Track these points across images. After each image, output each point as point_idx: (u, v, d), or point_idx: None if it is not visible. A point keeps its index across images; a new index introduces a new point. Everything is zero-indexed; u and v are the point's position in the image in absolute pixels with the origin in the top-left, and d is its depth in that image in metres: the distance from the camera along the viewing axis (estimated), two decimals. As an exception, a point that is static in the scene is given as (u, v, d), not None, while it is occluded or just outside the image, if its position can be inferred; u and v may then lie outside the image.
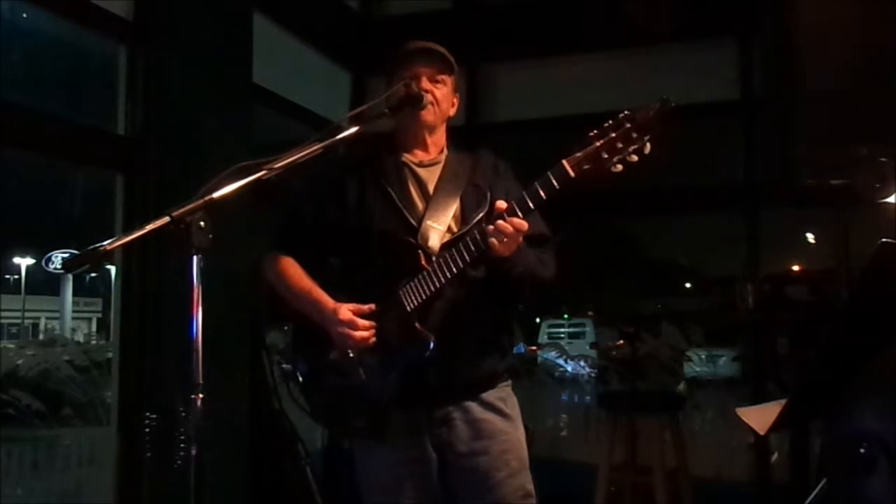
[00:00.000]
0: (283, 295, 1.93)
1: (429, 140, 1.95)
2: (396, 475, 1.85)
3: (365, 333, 1.79)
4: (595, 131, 1.65)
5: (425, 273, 1.77)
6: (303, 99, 4.02)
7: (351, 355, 1.83)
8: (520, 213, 1.68)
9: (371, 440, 1.86)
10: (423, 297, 1.77)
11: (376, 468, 1.88)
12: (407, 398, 1.80)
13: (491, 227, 1.69)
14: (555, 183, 1.67)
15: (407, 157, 1.94)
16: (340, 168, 1.95)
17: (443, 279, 1.75)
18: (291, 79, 3.97)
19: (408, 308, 1.78)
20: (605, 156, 1.63)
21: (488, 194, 1.91)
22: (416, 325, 1.77)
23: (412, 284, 1.78)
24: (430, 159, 1.95)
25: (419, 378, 1.79)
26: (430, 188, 1.91)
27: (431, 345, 1.75)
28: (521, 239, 1.71)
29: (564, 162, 1.66)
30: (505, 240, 1.68)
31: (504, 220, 1.68)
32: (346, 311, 1.80)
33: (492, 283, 1.84)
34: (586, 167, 1.65)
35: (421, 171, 1.93)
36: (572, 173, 1.65)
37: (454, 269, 1.75)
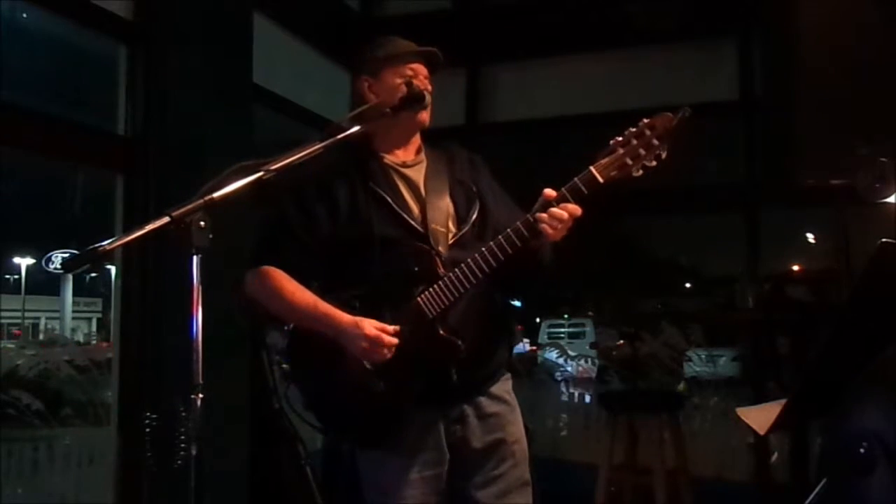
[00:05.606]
0: (277, 310, 1.82)
1: (412, 140, 1.92)
2: (414, 478, 1.79)
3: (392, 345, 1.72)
4: (618, 138, 1.68)
5: (446, 279, 1.71)
6: (303, 99, 4.02)
7: (368, 367, 1.75)
8: (571, 200, 1.68)
9: (391, 448, 1.79)
10: (447, 302, 1.71)
11: (394, 473, 1.81)
12: (424, 401, 1.76)
13: (545, 215, 1.68)
14: (583, 189, 1.68)
15: (389, 159, 1.88)
16: (321, 170, 1.82)
17: (467, 284, 1.71)
18: (291, 79, 3.97)
19: (429, 315, 1.72)
20: (630, 162, 1.67)
21: (474, 188, 1.90)
22: (441, 331, 1.73)
23: (432, 291, 1.72)
24: (412, 160, 1.91)
25: (437, 380, 1.75)
26: (421, 189, 1.86)
27: (461, 350, 1.72)
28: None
29: (592, 168, 1.68)
30: (559, 226, 1.68)
31: (556, 208, 1.68)
32: (370, 324, 1.70)
33: (513, 276, 1.80)
34: (613, 173, 1.68)
35: (408, 172, 1.88)
36: (601, 179, 1.68)
37: (479, 274, 1.70)
